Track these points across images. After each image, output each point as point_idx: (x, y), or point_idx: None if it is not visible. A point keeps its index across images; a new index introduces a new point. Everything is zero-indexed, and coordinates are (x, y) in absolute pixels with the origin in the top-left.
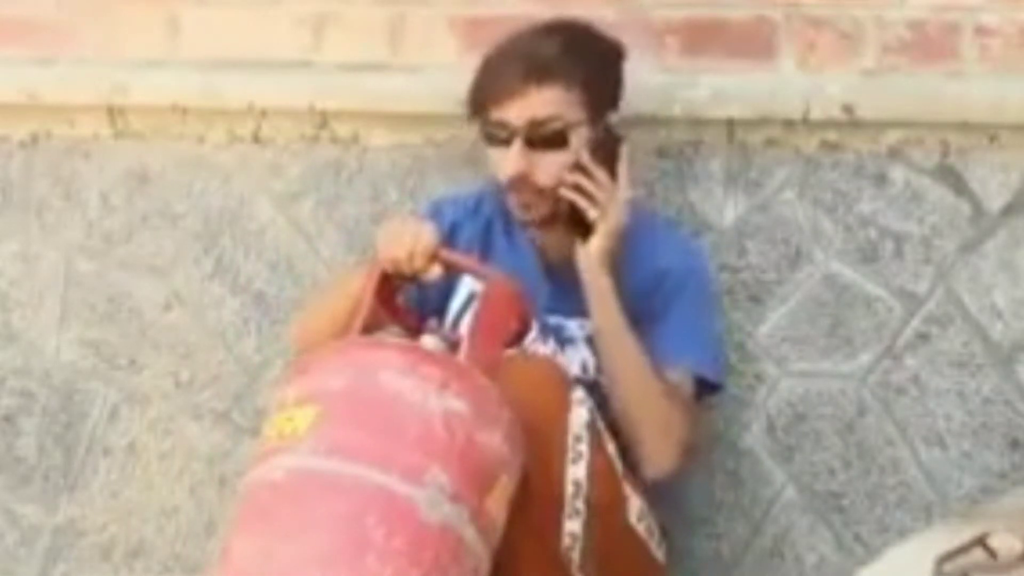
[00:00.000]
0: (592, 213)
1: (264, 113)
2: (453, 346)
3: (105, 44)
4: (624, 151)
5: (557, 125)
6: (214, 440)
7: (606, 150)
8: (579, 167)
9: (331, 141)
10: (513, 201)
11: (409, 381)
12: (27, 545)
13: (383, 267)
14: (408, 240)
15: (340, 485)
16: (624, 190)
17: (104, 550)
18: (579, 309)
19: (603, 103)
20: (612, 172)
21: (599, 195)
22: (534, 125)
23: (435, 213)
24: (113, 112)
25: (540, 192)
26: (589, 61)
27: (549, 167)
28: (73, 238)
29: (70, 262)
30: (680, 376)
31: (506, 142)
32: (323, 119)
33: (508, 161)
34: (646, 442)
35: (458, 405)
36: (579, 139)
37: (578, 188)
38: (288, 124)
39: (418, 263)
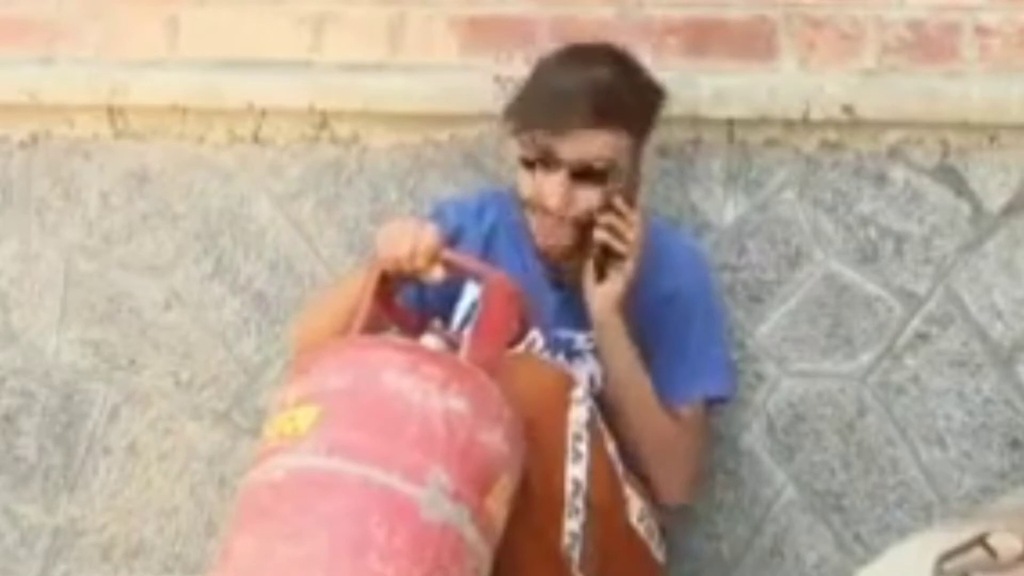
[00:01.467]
0: (624, 254)
1: (264, 113)
2: (454, 346)
3: (105, 44)
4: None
5: (604, 165)
6: (214, 440)
7: (627, 187)
8: (612, 208)
9: (331, 141)
10: (538, 225)
11: (410, 380)
12: (27, 545)
13: (383, 267)
14: (409, 240)
15: (341, 485)
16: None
17: (104, 550)
18: (587, 321)
19: (643, 145)
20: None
21: (630, 237)
22: (584, 161)
23: (438, 215)
24: (113, 112)
25: (571, 222)
26: (646, 109)
27: (585, 200)
28: (73, 238)
29: (70, 262)
30: (694, 407)
31: (547, 168)
32: (323, 119)
33: (549, 190)
34: (659, 476)
35: (459, 404)
36: (617, 177)
37: (611, 229)
38: (288, 124)
39: (419, 262)
